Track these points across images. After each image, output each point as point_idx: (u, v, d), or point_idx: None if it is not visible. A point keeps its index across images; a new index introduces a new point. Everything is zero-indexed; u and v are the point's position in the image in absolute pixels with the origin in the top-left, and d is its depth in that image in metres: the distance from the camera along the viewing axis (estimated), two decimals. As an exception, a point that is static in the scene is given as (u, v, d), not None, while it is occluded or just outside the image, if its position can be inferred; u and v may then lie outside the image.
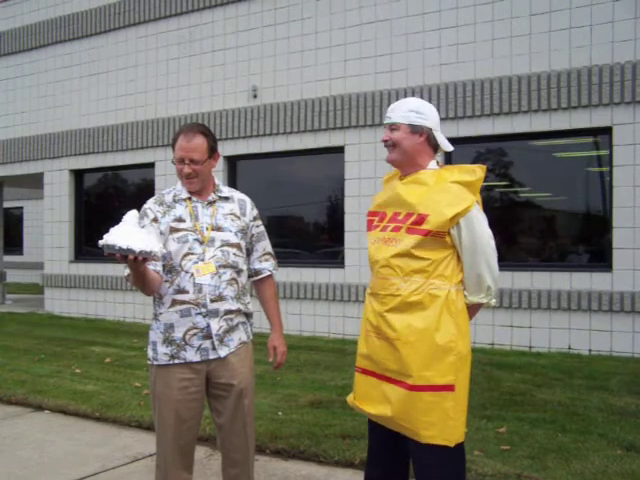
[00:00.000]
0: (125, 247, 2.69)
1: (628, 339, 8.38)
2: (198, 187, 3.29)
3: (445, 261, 2.89)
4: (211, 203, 3.31)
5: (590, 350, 8.56)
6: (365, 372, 3.06)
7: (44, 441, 5.30)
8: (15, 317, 13.15)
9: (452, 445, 2.83)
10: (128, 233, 2.73)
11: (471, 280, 2.93)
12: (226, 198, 3.37)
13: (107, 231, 2.74)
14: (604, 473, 4.25)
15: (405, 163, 3.03)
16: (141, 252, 2.72)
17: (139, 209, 3.36)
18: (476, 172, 2.92)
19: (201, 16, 11.90)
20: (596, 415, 5.61)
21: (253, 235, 3.43)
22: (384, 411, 2.91)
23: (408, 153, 2.99)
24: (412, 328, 2.85)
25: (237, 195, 3.44)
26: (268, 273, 3.53)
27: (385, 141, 3.04)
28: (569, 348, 8.68)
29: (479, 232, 2.89)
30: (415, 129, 2.98)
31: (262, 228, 3.50)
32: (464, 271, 2.93)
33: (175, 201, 3.29)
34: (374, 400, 2.98)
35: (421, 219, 2.85)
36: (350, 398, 3.19)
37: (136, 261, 2.76)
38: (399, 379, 2.87)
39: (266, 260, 3.52)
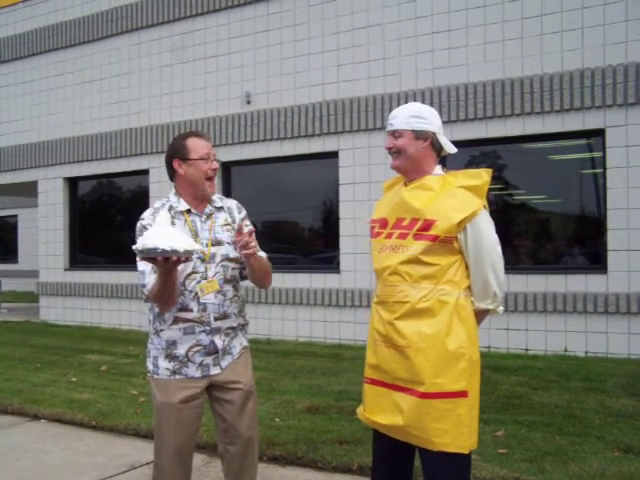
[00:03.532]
0: (169, 249, 2.61)
1: (624, 340, 8.39)
2: (215, 190, 3.28)
3: (454, 267, 2.85)
4: (209, 216, 3.26)
5: (586, 352, 8.57)
6: (374, 383, 3.00)
7: (41, 451, 5.28)
8: (10, 326, 13.11)
9: (466, 452, 2.80)
10: (167, 235, 2.66)
11: (477, 286, 2.90)
12: (219, 208, 3.32)
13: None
14: (602, 475, 4.25)
15: (410, 169, 2.99)
16: (185, 252, 2.66)
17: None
18: (482, 176, 2.88)
19: (194, 23, 11.91)
20: (593, 417, 5.61)
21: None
22: (396, 421, 2.85)
23: (413, 159, 2.96)
24: (422, 335, 2.80)
25: (226, 203, 3.39)
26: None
27: (389, 148, 3.00)
28: (565, 350, 8.68)
29: (485, 237, 2.87)
30: (419, 134, 2.94)
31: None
32: (471, 277, 2.90)
33: (172, 215, 3.18)
34: (385, 410, 2.92)
35: (428, 225, 2.81)
36: (360, 411, 3.12)
37: (177, 263, 2.71)
38: (410, 387, 2.82)
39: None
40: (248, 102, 11.25)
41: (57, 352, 9.62)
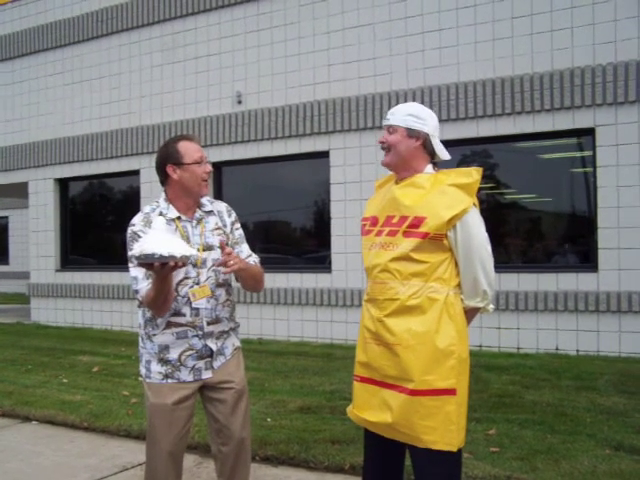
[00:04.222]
0: (167, 254, 2.61)
1: (614, 339, 8.42)
2: (208, 191, 3.28)
3: (444, 264, 2.86)
4: (199, 221, 3.25)
5: (577, 350, 8.60)
6: (364, 380, 3.00)
7: (32, 452, 5.26)
8: (1, 327, 13.04)
9: (455, 450, 2.79)
10: (164, 240, 2.66)
11: (467, 284, 2.90)
12: (209, 212, 3.31)
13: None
14: (593, 473, 4.26)
15: (400, 167, 2.99)
16: (182, 257, 2.66)
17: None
18: (472, 174, 2.89)
19: (184, 23, 11.89)
20: (584, 415, 5.63)
21: (234, 237, 3.36)
22: (384, 418, 2.85)
23: (403, 156, 2.96)
24: (412, 332, 2.80)
25: (215, 206, 3.37)
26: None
27: (381, 143, 3.01)
28: (557, 349, 8.71)
29: (475, 235, 2.87)
30: (412, 133, 2.95)
31: (241, 231, 3.42)
32: (460, 274, 2.90)
33: None
34: (374, 408, 2.92)
35: (418, 222, 2.81)
36: (350, 409, 3.13)
37: (173, 268, 2.71)
38: (400, 384, 2.82)
39: (250, 257, 3.39)
40: (239, 102, 11.24)
41: (48, 353, 9.58)
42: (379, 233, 2.97)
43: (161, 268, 2.69)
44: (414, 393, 2.78)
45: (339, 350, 9.24)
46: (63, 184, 13.85)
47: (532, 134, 9.03)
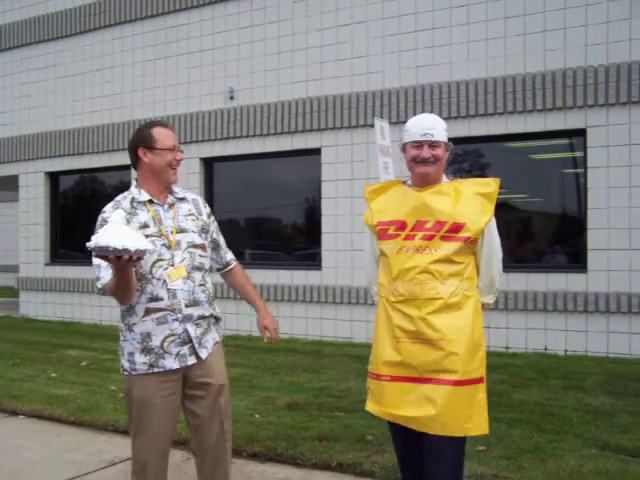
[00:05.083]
0: (120, 247, 2.62)
1: (603, 339, 8.46)
2: (177, 179, 3.34)
3: (471, 265, 3.20)
4: (171, 205, 3.30)
5: (566, 350, 8.63)
6: (396, 379, 3.17)
7: (18, 447, 5.24)
8: (-11, 321, 13.01)
9: (484, 433, 3.13)
10: (120, 233, 2.66)
11: (486, 282, 3.29)
12: (182, 199, 3.36)
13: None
14: (579, 472, 4.29)
15: (435, 176, 3.25)
16: (137, 251, 2.67)
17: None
18: (491, 184, 3.24)
19: (177, 18, 11.85)
20: (571, 415, 5.65)
21: (213, 231, 3.45)
22: (427, 411, 3.04)
23: (443, 167, 3.28)
24: (454, 327, 3.09)
25: (189, 195, 3.44)
26: (235, 263, 3.62)
27: (427, 158, 3.19)
28: (545, 349, 8.74)
29: (495, 239, 3.28)
30: (447, 145, 3.29)
31: (216, 222, 3.54)
32: (480, 274, 3.27)
33: (134, 206, 3.21)
34: (411, 404, 3.11)
35: (458, 227, 3.10)
36: (373, 407, 3.28)
37: (129, 261, 2.72)
38: (440, 377, 3.06)
39: (228, 252, 3.60)
40: (231, 98, 11.22)
41: (37, 347, 9.56)
42: (410, 237, 3.20)
43: (117, 261, 2.71)
44: (458, 383, 3.05)
45: (328, 347, 9.24)
46: (54, 178, 13.80)
47: (524, 134, 9.05)
